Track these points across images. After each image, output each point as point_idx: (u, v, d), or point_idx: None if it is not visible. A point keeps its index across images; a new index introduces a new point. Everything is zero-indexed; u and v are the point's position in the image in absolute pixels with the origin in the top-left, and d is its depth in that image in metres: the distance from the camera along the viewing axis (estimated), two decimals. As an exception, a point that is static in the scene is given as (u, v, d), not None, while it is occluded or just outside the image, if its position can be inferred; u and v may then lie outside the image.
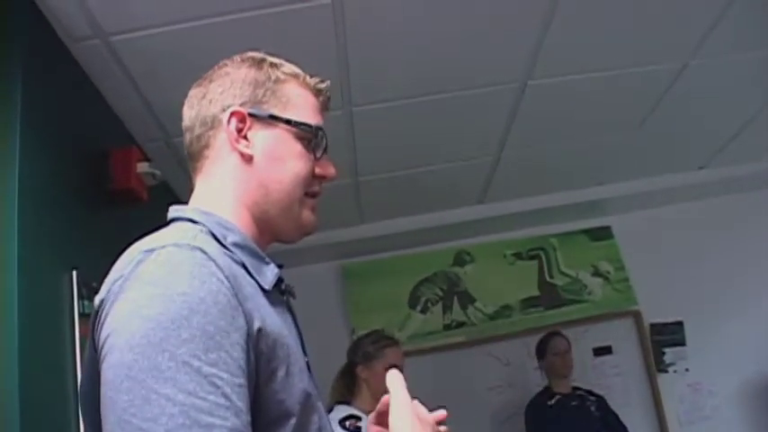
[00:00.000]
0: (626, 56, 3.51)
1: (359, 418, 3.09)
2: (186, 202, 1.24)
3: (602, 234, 5.54)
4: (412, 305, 5.32)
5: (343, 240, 5.07)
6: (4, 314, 2.06)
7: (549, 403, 4.32)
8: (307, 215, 1.26)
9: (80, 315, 2.43)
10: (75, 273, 2.47)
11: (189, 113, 1.27)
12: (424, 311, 5.30)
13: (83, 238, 2.67)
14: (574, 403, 4.32)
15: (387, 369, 3.47)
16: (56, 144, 2.55)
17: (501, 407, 5.10)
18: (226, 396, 0.90)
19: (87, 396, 1.09)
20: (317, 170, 1.27)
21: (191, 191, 1.27)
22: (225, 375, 0.91)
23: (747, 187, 5.44)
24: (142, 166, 3.02)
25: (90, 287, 2.54)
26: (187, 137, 1.27)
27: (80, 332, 2.40)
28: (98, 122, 3.06)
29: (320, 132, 1.27)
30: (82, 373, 1.11)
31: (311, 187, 1.27)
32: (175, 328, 0.91)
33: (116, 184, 2.95)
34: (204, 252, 1.01)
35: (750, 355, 5.12)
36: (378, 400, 3.71)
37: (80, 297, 2.46)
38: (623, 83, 3.74)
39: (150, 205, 3.08)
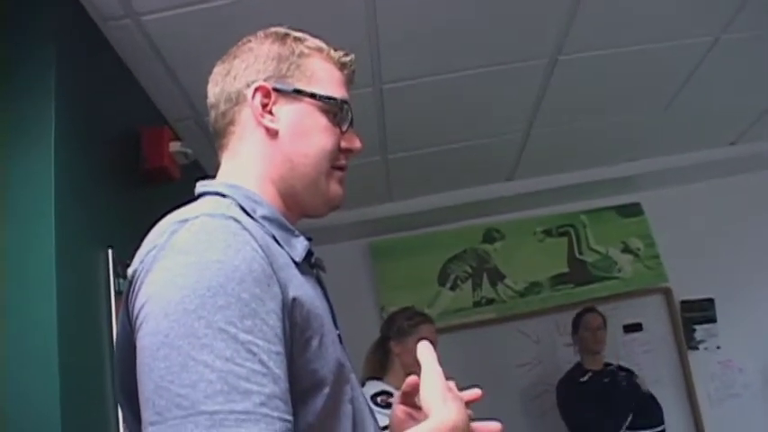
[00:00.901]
0: (657, 30, 3.47)
1: (390, 394, 3.10)
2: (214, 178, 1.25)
3: (633, 210, 5.50)
4: (441, 282, 5.32)
5: (373, 218, 5.08)
6: (42, 292, 2.09)
7: (582, 380, 4.31)
8: (334, 188, 1.26)
9: (116, 293, 2.46)
10: (110, 251, 2.51)
11: (213, 90, 1.28)
12: (453, 288, 5.31)
13: (117, 216, 2.70)
14: (606, 380, 4.30)
15: (420, 345, 3.47)
16: (89, 124, 2.57)
17: (531, 384, 5.11)
18: (263, 363, 0.90)
19: (120, 367, 1.10)
20: (343, 143, 1.27)
21: (217, 168, 1.27)
22: (261, 342, 0.91)
23: (779, 163, 5.38)
24: (174, 146, 3.04)
25: (125, 265, 2.56)
26: (212, 114, 1.28)
27: (116, 310, 2.43)
28: (130, 102, 3.08)
29: (345, 106, 1.27)
30: (116, 346, 1.11)
31: (338, 161, 1.27)
32: (211, 295, 0.91)
33: (149, 164, 2.97)
34: (238, 221, 1.02)
35: (781, 332, 5.09)
36: (409, 375, 3.72)
37: (116, 275, 2.49)
38: (654, 57, 3.70)
39: (182, 184, 3.10)
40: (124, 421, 1.14)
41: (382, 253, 5.38)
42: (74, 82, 2.46)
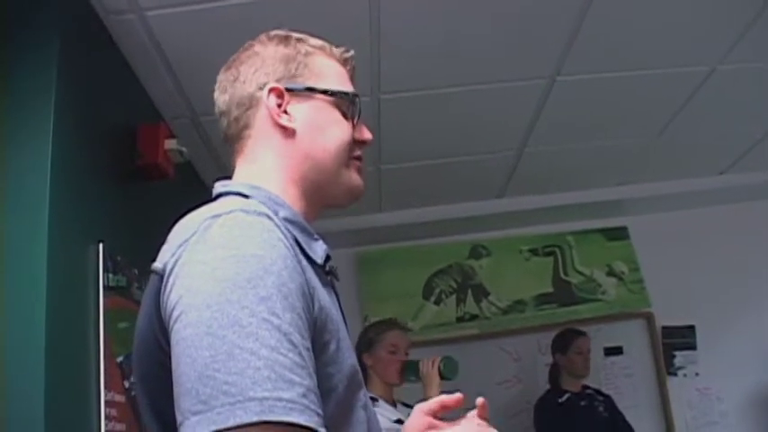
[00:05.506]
0: (656, 57, 3.51)
1: (375, 400, 3.10)
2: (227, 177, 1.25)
3: (619, 234, 5.52)
4: (426, 296, 5.31)
5: (360, 228, 5.06)
6: (33, 284, 2.08)
7: (560, 401, 4.30)
8: (355, 177, 1.29)
9: (105, 288, 2.44)
10: (101, 246, 2.48)
11: (222, 98, 1.28)
12: (437, 303, 5.30)
13: (109, 211, 2.69)
14: (583, 403, 4.29)
15: (389, 351, 3.48)
16: (87, 118, 2.55)
17: (509, 402, 5.09)
18: (301, 356, 0.91)
19: (141, 361, 1.09)
20: (356, 135, 1.30)
21: (231, 175, 1.27)
22: (298, 337, 0.92)
23: (766, 195, 5.42)
24: (170, 143, 3.03)
25: (115, 261, 2.55)
26: (224, 121, 1.28)
27: (104, 305, 2.42)
28: (128, 97, 3.07)
29: (356, 99, 1.30)
30: (137, 340, 1.10)
31: (354, 152, 1.29)
32: (252, 287, 0.91)
33: (143, 160, 2.96)
34: (270, 219, 1.03)
35: (760, 362, 5.11)
36: (387, 384, 3.68)
37: (105, 270, 2.47)
38: (651, 84, 3.74)
39: (175, 182, 3.10)
40: (141, 412, 1.13)
41: (368, 263, 5.36)
42: (75, 74, 2.45)
